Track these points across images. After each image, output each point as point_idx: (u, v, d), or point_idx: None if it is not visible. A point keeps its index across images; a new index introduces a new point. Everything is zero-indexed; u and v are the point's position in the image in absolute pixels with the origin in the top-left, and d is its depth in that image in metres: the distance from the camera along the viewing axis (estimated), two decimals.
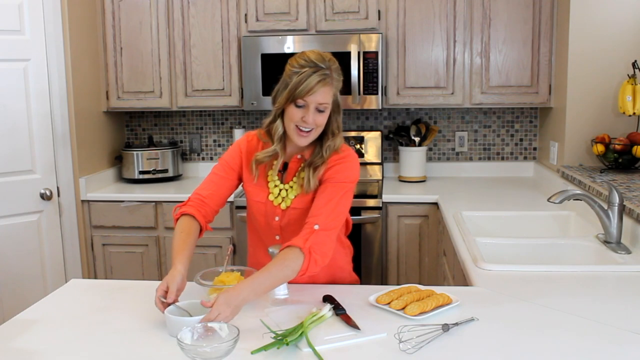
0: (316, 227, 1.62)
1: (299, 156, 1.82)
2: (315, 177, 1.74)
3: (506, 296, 1.66)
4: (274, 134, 1.76)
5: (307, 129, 1.70)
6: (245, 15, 3.41)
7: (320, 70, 1.66)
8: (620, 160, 2.80)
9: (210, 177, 1.87)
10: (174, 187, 3.54)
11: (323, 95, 1.68)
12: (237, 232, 3.24)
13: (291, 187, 1.81)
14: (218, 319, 1.40)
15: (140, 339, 1.45)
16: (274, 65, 3.35)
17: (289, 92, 1.68)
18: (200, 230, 1.80)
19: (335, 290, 1.69)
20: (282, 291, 1.64)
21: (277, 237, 1.86)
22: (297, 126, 1.71)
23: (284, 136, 1.77)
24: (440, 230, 3.04)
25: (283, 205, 1.81)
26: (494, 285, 1.74)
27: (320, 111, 1.70)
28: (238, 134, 3.69)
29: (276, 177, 1.83)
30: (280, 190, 1.82)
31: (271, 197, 1.82)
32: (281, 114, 1.75)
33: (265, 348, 1.33)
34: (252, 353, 1.32)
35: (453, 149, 3.74)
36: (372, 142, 3.64)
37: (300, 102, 1.68)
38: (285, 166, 1.83)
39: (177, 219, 1.78)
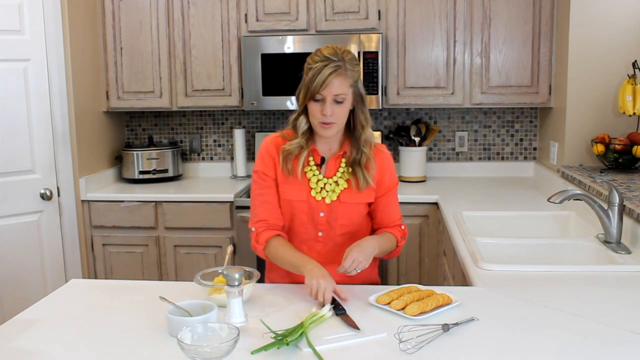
0: (403, 227, 1.96)
1: (341, 152, 1.86)
2: (370, 176, 1.84)
3: (506, 296, 1.66)
4: (298, 128, 1.82)
5: (329, 121, 1.75)
6: (245, 15, 3.41)
7: (332, 63, 1.71)
8: (620, 160, 2.79)
9: (257, 199, 1.89)
10: (174, 187, 3.54)
11: (338, 86, 1.72)
12: (237, 232, 3.23)
13: (336, 182, 1.84)
14: (354, 265, 1.66)
15: (140, 339, 1.45)
16: (274, 65, 3.35)
17: (306, 89, 1.75)
18: None
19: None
20: (239, 318, 1.50)
21: (320, 234, 1.87)
22: (320, 120, 1.76)
23: (309, 131, 1.83)
24: (440, 230, 3.04)
25: (327, 200, 1.84)
26: (494, 285, 1.74)
27: (338, 102, 1.74)
28: (238, 134, 3.69)
29: (317, 171, 1.85)
30: (325, 184, 1.84)
31: (313, 193, 1.84)
32: (305, 110, 1.80)
33: (265, 348, 1.33)
34: (252, 353, 1.32)
35: (453, 149, 3.74)
36: None
37: (317, 96, 1.73)
38: (322, 160, 1.86)
39: (265, 247, 1.84)
